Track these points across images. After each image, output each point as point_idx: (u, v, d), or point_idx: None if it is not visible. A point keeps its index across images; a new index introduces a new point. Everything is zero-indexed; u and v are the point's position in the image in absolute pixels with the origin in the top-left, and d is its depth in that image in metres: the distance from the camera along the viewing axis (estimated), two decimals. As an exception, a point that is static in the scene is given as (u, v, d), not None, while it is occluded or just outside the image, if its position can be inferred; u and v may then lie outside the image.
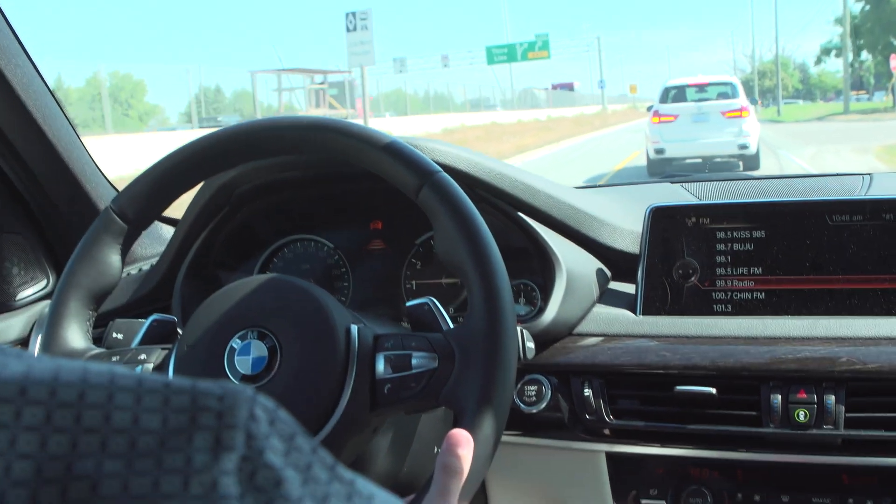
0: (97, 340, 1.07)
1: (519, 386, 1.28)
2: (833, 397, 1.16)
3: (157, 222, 1.69)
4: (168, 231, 1.67)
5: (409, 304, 1.01)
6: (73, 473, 0.29)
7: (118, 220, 1.06)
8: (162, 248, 1.49)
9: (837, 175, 1.60)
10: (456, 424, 0.88)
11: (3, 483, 0.28)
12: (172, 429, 0.30)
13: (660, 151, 14.44)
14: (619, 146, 23.17)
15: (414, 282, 1.44)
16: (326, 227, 1.48)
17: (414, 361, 0.92)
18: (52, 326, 1.03)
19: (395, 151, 0.99)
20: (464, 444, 0.83)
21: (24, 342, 1.46)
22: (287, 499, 0.31)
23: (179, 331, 1.06)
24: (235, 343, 0.94)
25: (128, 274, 1.49)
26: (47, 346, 1.02)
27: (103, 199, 1.54)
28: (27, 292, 1.54)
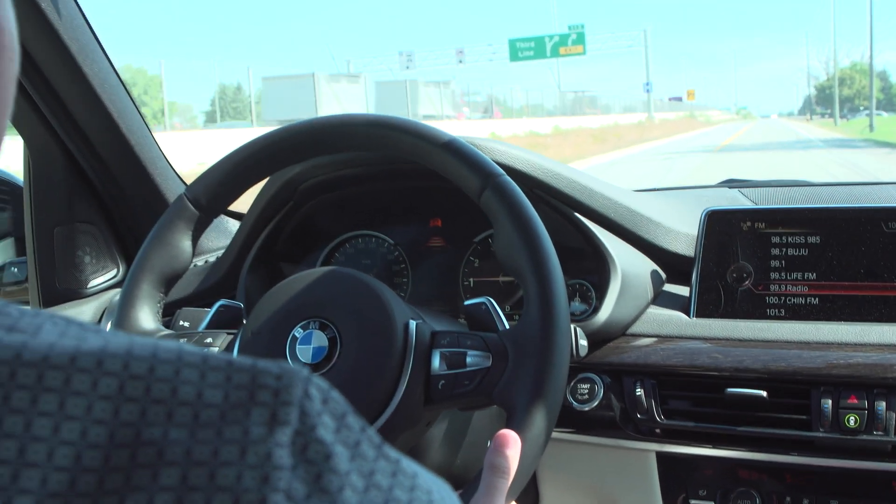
0: (165, 328, 1.12)
1: (572, 384, 1.30)
2: (884, 403, 1.17)
3: (222, 216, 1.74)
4: (233, 224, 1.71)
5: (466, 302, 1.03)
6: (142, 439, 0.31)
7: (191, 206, 1.11)
8: (227, 241, 1.54)
9: None
10: (507, 423, 0.91)
11: (80, 445, 0.31)
12: (233, 403, 0.33)
13: None
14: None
15: (472, 279, 1.47)
16: (387, 223, 1.52)
17: (468, 359, 0.95)
18: (124, 307, 1.07)
19: (457, 152, 1.02)
20: (511, 444, 0.85)
21: (94, 328, 1.51)
22: (335, 471, 0.34)
23: (244, 319, 1.10)
24: (298, 332, 0.97)
25: (194, 265, 1.54)
26: (119, 325, 1.07)
27: (173, 193, 1.60)
28: (98, 280, 1.60)
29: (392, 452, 0.38)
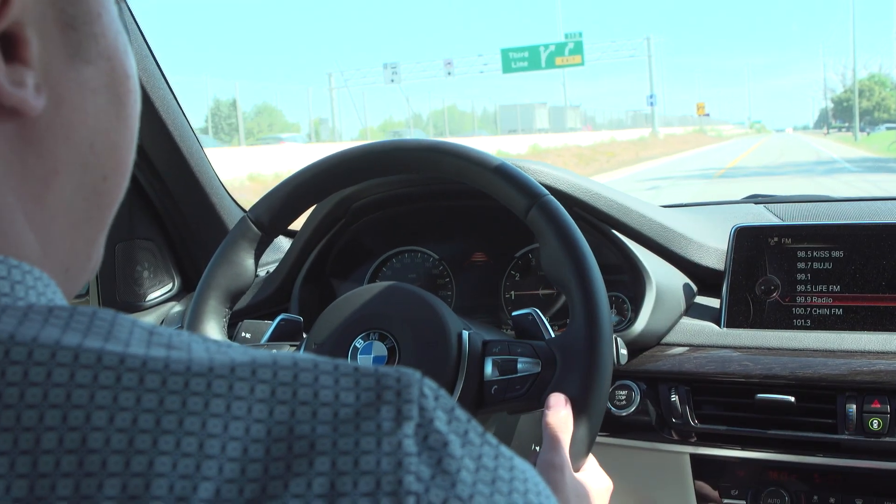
0: (231, 341, 1.19)
1: (611, 391, 1.37)
2: None
3: None
4: (283, 240, 1.80)
5: (514, 313, 1.10)
6: (295, 434, 0.38)
7: (254, 227, 1.17)
8: (278, 256, 1.61)
9: None
10: None
11: (245, 440, 0.37)
12: (364, 403, 0.40)
13: None
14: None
15: (513, 292, 1.55)
16: (432, 239, 1.59)
17: (519, 366, 1.01)
18: (193, 322, 1.14)
19: (506, 174, 1.09)
20: (562, 403, 0.95)
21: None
22: (452, 456, 0.40)
23: (303, 331, 1.18)
24: (359, 343, 1.05)
25: None
26: None
27: (226, 212, 1.68)
28: (155, 294, 1.68)
29: (492, 439, 0.44)
